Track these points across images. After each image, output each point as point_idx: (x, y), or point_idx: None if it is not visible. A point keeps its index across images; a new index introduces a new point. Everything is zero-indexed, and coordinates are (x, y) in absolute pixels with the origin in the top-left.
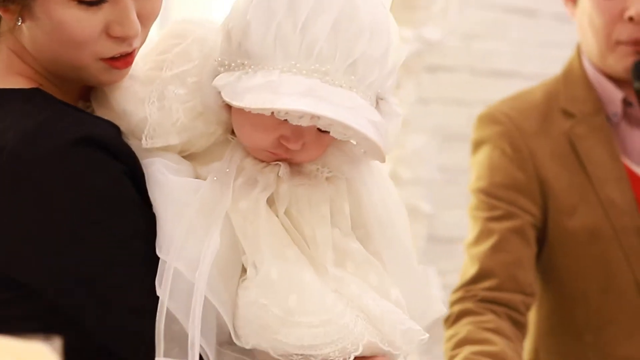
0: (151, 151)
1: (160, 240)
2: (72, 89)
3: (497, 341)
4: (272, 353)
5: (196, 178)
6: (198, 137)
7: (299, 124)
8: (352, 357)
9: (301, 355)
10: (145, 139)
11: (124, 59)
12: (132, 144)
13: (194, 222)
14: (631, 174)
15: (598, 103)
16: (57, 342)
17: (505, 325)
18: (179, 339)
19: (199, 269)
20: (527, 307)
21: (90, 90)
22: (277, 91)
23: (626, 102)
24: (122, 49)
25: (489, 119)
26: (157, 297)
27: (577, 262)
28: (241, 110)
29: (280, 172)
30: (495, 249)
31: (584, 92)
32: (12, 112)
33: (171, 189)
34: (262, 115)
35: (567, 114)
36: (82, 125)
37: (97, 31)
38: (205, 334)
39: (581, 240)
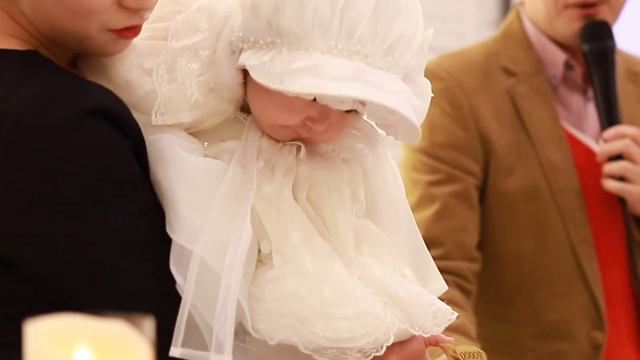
0: (156, 127)
1: (175, 224)
2: (65, 56)
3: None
4: (301, 347)
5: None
6: (209, 115)
7: (340, 108)
8: (385, 348)
9: (336, 348)
10: (155, 115)
11: (133, 30)
12: (136, 117)
13: (220, 209)
14: (569, 136)
15: (539, 64)
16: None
17: (456, 295)
18: (195, 328)
19: (231, 259)
20: (474, 275)
21: (78, 58)
22: (322, 75)
23: (567, 65)
24: (133, 21)
25: (429, 75)
26: (165, 281)
27: (512, 222)
28: (264, 90)
29: (301, 154)
30: (439, 215)
31: (525, 52)
32: (11, 74)
33: (189, 169)
34: (290, 96)
35: (509, 73)
36: (93, 96)
37: (108, 1)
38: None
39: (518, 200)
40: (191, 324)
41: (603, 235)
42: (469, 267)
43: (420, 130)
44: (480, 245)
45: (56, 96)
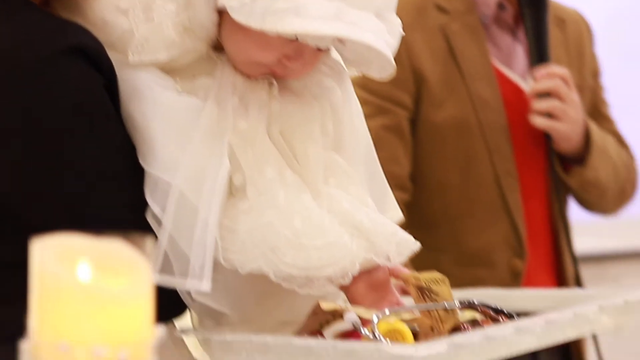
0: (130, 65)
1: (151, 157)
2: None
3: None
4: (272, 276)
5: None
6: (184, 54)
7: (319, 46)
8: (351, 276)
9: (305, 277)
10: (132, 54)
11: None
12: (110, 56)
13: (198, 143)
14: (499, 73)
15: (471, 4)
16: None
17: None
18: (173, 256)
19: (209, 191)
20: (404, 204)
21: None
22: (306, 14)
23: (500, 6)
24: None
25: None
26: (140, 212)
27: (441, 153)
28: (242, 29)
29: (273, 90)
30: None
31: None
32: None
33: (166, 105)
34: (268, 35)
35: (442, 10)
36: (71, 34)
37: None
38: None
39: (447, 132)
40: (169, 252)
41: (526, 168)
42: (400, 197)
43: (394, 65)
44: (411, 176)
45: (33, 34)
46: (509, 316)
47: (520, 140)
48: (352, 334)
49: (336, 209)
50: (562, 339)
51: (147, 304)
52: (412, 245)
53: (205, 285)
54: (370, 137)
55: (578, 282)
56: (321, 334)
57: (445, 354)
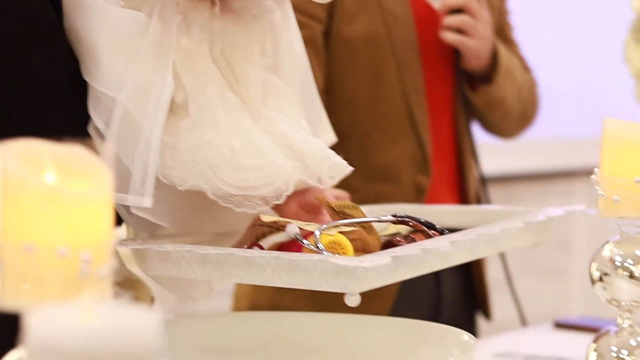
0: None
1: (95, 71)
2: None
3: None
4: (210, 194)
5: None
6: None
7: None
8: (284, 196)
9: (241, 196)
10: None
11: None
12: None
13: (143, 60)
14: None
15: None
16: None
17: None
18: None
19: (154, 107)
20: None
21: None
22: None
23: None
24: None
25: None
26: (82, 123)
27: (352, 68)
28: None
29: (215, 10)
30: None
31: None
32: None
33: (111, 19)
34: None
35: None
36: None
37: None
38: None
39: (359, 46)
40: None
41: (434, 86)
42: None
43: None
44: (324, 90)
45: None
46: (440, 231)
47: (429, 57)
48: (290, 246)
49: (273, 130)
50: (490, 253)
51: (108, 207)
52: (344, 169)
53: (147, 201)
54: (307, 58)
55: (479, 201)
56: (259, 246)
57: (388, 265)
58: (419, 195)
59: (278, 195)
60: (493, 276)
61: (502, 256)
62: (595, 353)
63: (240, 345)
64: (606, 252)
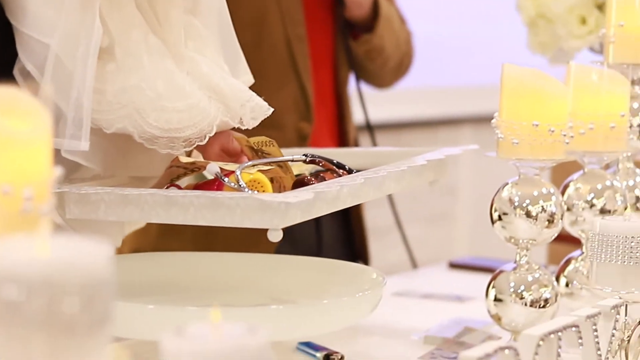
0: None
1: (23, 16)
2: None
3: None
4: (136, 137)
5: None
6: None
7: None
8: (208, 138)
9: (166, 138)
10: None
11: None
12: None
13: (70, 8)
14: None
15: None
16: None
17: None
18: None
19: (84, 52)
20: None
21: None
22: None
23: None
24: None
25: None
26: (8, 68)
27: (236, 14)
28: None
29: None
30: None
31: None
32: None
33: None
34: None
35: None
36: None
37: None
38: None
39: None
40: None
41: (316, 35)
42: None
43: None
44: None
45: None
46: (349, 171)
47: (311, 6)
48: (208, 186)
49: (196, 72)
50: (394, 190)
51: (47, 145)
52: (265, 110)
53: (84, 145)
54: (224, 1)
55: (357, 144)
56: (177, 186)
57: (311, 200)
58: (302, 141)
59: (202, 136)
60: (381, 223)
61: (391, 201)
62: (494, 289)
63: (152, 285)
64: (505, 192)
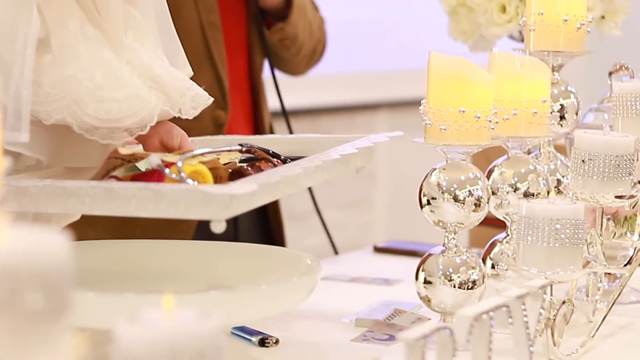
0: None
1: None
2: None
3: None
4: (76, 127)
5: None
6: None
7: None
8: (149, 127)
9: (106, 128)
10: None
11: None
12: None
13: (6, 0)
14: None
15: None
16: None
17: None
18: None
19: (22, 43)
20: None
21: None
22: None
23: None
24: None
25: None
26: None
27: None
28: None
29: None
30: None
31: None
32: None
33: None
34: None
35: None
36: None
37: None
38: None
39: None
40: None
41: (231, 22)
42: None
43: None
44: None
45: None
46: (283, 160)
47: None
48: (148, 177)
49: (135, 61)
50: (326, 178)
51: None
52: (206, 100)
53: (24, 136)
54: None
55: (272, 132)
56: (116, 178)
57: (256, 191)
58: (218, 129)
59: (142, 126)
60: (300, 208)
61: (309, 188)
62: (424, 272)
63: (97, 273)
64: (433, 177)
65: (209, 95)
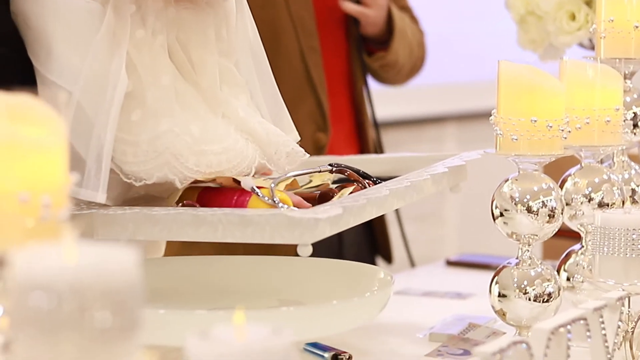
0: None
1: (47, 60)
2: None
3: None
4: (178, 184)
5: None
6: None
7: None
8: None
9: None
10: None
11: None
12: None
13: (97, 53)
14: None
15: None
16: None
17: None
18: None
19: (107, 106)
20: None
21: None
22: None
23: None
24: None
25: None
26: None
27: None
28: None
29: None
30: None
31: None
32: None
33: (66, 9)
34: None
35: None
36: None
37: None
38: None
39: (253, 5)
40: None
41: (330, 47)
42: None
43: None
44: None
45: None
46: (374, 181)
47: (324, 18)
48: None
49: (231, 115)
50: (416, 199)
51: (63, 152)
52: (301, 156)
53: (101, 197)
54: (262, 46)
55: (378, 152)
56: (192, 205)
57: (341, 215)
58: (319, 152)
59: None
60: None
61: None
62: (498, 285)
63: (168, 290)
64: (505, 189)
65: (311, 118)
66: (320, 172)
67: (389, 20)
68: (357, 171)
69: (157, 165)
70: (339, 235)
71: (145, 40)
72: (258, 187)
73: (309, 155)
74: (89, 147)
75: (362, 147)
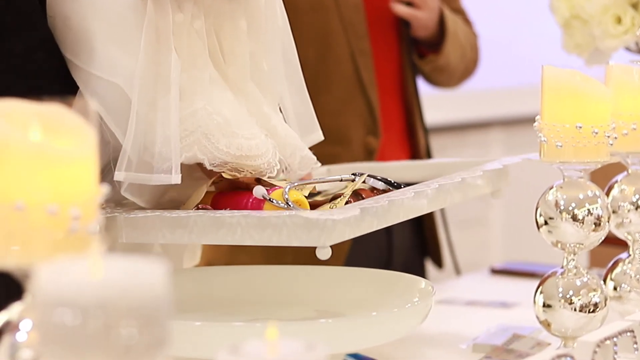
0: None
1: (89, 57)
2: None
3: None
4: (207, 164)
5: None
6: None
7: None
8: (275, 171)
9: (235, 163)
10: None
11: None
12: None
13: (145, 47)
14: None
15: None
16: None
17: None
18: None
19: (166, 90)
20: None
21: None
22: None
23: None
24: None
25: None
26: None
27: (298, 30)
28: None
29: None
30: None
31: None
32: None
33: (104, 4)
34: None
35: None
36: None
37: None
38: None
39: (304, 9)
40: (132, 152)
41: (380, 48)
42: None
43: None
44: None
45: None
46: (398, 187)
47: (375, 20)
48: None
49: (255, 110)
50: (450, 203)
51: (93, 163)
52: (313, 163)
53: (176, 178)
54: (292, 38)
55: (429, 155)
56: (206, 208)
57: (358, 216)
58: (369, 156)
59: (270, 167)
60: None
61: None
62: (542, 295)
63: (207, 299)
64: (550, 196)
65: (361, 122)
66: (342, 180)
67: (441, 22)
68: (388, 180)
69: (187, 144)
70: (389, 240)
71: (184, 23)
72: (275, 187)
73: (320, 164)
74: (155, 135)
75: (413, 152)
